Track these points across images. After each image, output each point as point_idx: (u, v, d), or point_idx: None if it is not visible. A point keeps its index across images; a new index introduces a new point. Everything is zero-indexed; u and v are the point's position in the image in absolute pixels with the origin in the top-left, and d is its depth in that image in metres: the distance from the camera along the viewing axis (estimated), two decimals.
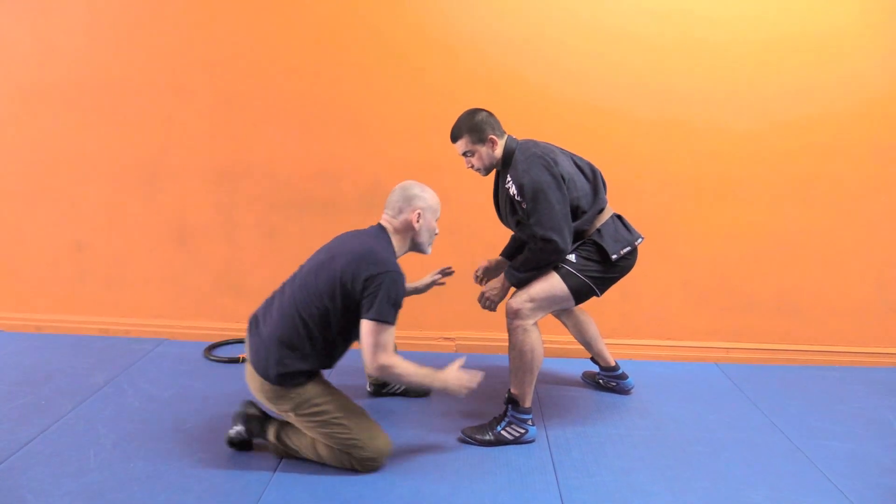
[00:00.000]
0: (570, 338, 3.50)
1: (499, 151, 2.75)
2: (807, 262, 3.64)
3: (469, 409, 3.06)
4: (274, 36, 3.61)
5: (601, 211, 2.80)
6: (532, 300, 2.71)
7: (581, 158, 2.82)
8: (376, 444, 2.52)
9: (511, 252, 3.11)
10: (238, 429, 2.63)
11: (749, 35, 3.45)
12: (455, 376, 2.53)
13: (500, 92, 3.47)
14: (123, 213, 3.84)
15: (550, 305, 2.76)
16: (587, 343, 3.26)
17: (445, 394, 2.56)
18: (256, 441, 2.67)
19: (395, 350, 2.72)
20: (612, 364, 3.29)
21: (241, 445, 2.67)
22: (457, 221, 3.65)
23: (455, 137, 2.76)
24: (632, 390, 3.30)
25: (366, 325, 2.38)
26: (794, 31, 3.44)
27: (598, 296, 2.81)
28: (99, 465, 2.55)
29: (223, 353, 3.66)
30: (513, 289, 2.81)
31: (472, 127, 2.72)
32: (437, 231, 2.67)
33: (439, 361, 3.56)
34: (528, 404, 2.79)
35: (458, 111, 3.52)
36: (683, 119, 3.53)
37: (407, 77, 3.59)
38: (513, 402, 2.79)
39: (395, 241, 2.59)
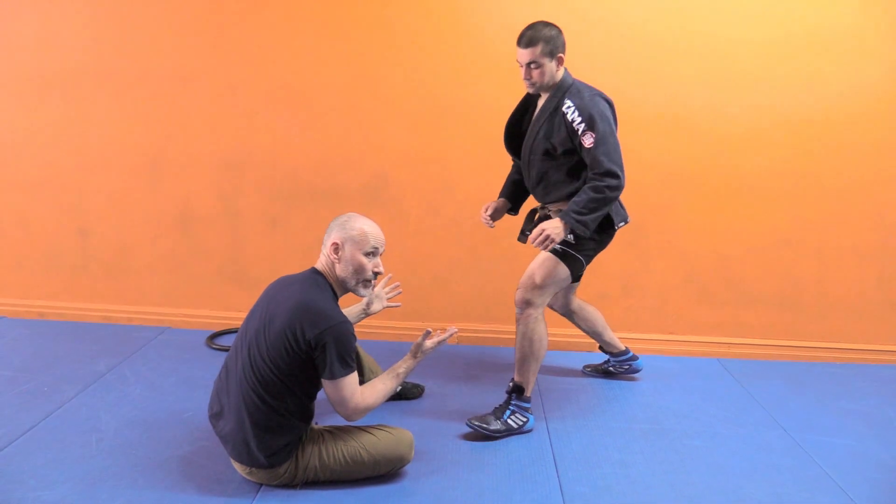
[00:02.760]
0: (572, 330, 3.50)
1: (560, 73, 2.67)
2: (809, 257, 3.63)
3: (467, 402, 3.06)
4: (277, 25, 3.60)
5: None
6: (539, 287, 2.73)
7: None
8: (400, 450, 2.42)
9: (510, 193, 3.03)
10: None
11: (755, 32, 3.43)
12: (415, 351, 2.42)
13: (504, 84, 3.46)
14: (127, 201, 3.85)
15: (556, 288, 2.80)
16: (597, 334, 3.27)
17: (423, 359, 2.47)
18: None
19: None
20: (623, 348, 3.32)
21: None
22: (460, 213, 3.65)
23: (528, 43, 2.57)
24: (642, 369, 3.35)
25: (327, 386, 2.24)
26: (798, 28, 3.42)
27: (583, 267, 2.80)
28: (101, 451, 2.56)
29: (226, 341, 3.67)
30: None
31: (549, 38, 2.57)
32: (376, 269, 2.34)
33: (439, 351, 3.57)
34: (529, 393, 2.82)
35: (462, 102, 3.52)
36: (686, 115, 3.52)
37: (410, 67, 3.58)
38: (517, 390, 2.81)
39: (332, 280, 2.34)
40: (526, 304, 2.74)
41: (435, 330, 3.73)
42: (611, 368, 3.38)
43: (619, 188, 2.58)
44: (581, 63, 3.47)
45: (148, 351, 3.54)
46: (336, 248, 2.30)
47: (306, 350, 2.19)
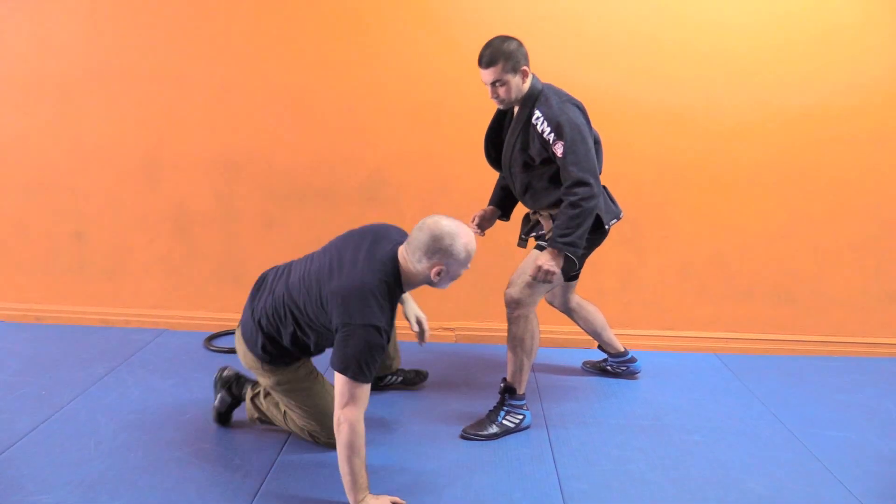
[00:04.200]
0: (569, 328, 3.51)
1: (527, 85, 2.60)
2: (805, 251, 3.64)
3: (465, 400, 3.06)
4: (272, 26, 3.59)
5: None
6: (530, 286, 2.71)
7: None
8: (330, 433, 2.45)
9: (500, 200, 3.01)
10: (220, 396, 2.71)
11: (750, 27, 3.43)
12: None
13: None
14: (123, 203, 3.84)
15: (546, 288, 2.76)
16: (597, 333, 3.26)
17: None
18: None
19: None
20: (622, 350, 3.31)
21: (227, 415, 2.75)
22: (456, 211, 3.57)
23: (488, 63, 2.53)
24: (640, 372, 3.34)
25: (337, 378, 2.18)
26: (794, 23, 3.42)
27: (577, 269, 2.78)
28: (99, 454, 2.55)
29: (223, 343, 3.66)
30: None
31: (509, 55, 2.51)
32: (460, 273, 2.34)
33: (438, 350, 3.60)
34: (522, 391, 2.81)
35: (457, 100, 3.51)
36: (682, 109, 3.52)
37: (406, 67, 3.57)
38: (509, 390, 2.80)
39: (406, 276, 2.29)
40: (516, 303, 2.73)
41: (434, 329, 3.75)
42: (608, 368, 3.38)
43: (592, 196, 2.52)
44: (576, 60, 3.48)
45: (145, 353, 3.53)
46: (439, 273, 2.24)
47: (335, 328, 2.22)
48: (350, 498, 2.21)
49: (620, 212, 2.83)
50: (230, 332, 3.78)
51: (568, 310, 3.23)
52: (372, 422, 2.86)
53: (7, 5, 3.70)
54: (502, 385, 2.83)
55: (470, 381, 3.28)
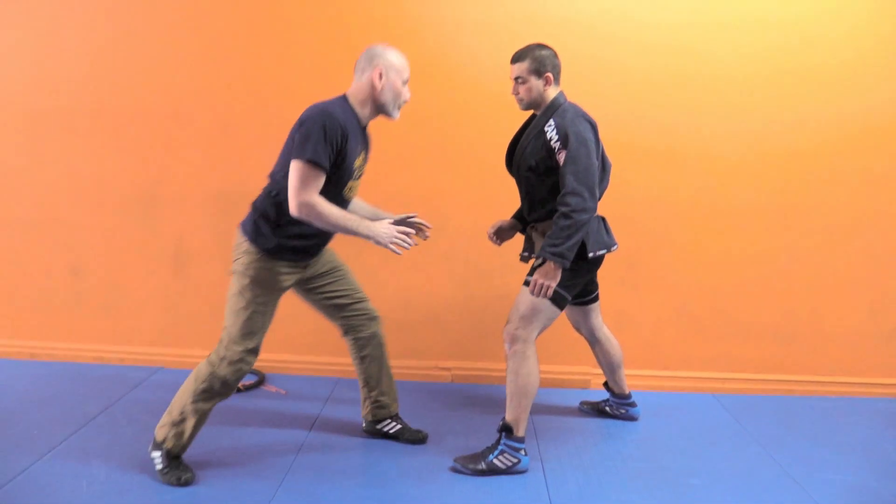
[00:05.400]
0: (567, 367, 3.51)
1: (549, 93, 2.73)
2: (801, 290, 3.65)
3: (461, 441, 3.04)
4: (270, 63, 3.64)
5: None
6: (523, 320, 2.72)
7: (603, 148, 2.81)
8: (236, 365, 2.57)
9: (521, 215, 3.05)
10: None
11: (743, 66, 3.50)
12: (385, 227, 2.48)
13: (497, 122, 3.50)
14: (120, 239, 3.84)
15: (541, 321, 2.75)
16: (612, 369, 3.25)
17: (374, 242, 2.48)
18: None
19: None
20: (627, 392, 3.31)
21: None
22: (452, 249, 3.66)
23: (515, 59, 2.73)
24: (638, 417, 3.32)
25: (292, 165, 2.42)
26: (786, 64, 3.49)
27: (569, 301, 2.78)
28: (91, 497, 2.52)
29: None
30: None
31: (536, 56, 2.69)
32: (406, 96, 2.62)
33: (434, 389, 3.60)
34: (521, 433, 2.78)
35: (453, 139, 3.55)
36: (677, 148, 3.56)
37: (407, 107, 3.61)
38: (507, 429, 2.78)
39: (357, 102, 2.58)
40: (513, 339, 2.74)
41: (429, 369, 3.74)
42: (607, 409, 3.36)
43: (585, 210, 2.55)
44: (575, 98, 3.52)
45: (140, 392, 3.51)
46: (380, 75, 2.53)
47: (294, 134, 2.44)
48: (360, 234, 2.46)
49: (613, 244, 2.84)
50: None
51: (594, 338, 3.22)
52: (365, 458, 2.86)
53: (8, 40, 3.76)
54: (501, 423, 2.82)
55: (464, 422, 3.26)
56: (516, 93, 2.76)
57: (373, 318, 2.96)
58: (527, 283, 2.75)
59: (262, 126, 3.69)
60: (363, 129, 2.65)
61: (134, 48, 3.70)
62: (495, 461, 2.76)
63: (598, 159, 2.67)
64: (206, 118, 3.72)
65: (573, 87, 3.50)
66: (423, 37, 3.56)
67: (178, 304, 3.86)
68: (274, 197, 2.56)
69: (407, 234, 2.49)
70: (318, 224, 2.46)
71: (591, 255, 2.70)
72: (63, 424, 3.10)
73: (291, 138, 2.49)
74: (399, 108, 2.63)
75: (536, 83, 2.71)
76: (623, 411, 3.32)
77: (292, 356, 3.80)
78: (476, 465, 2.76)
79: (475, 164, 3.54)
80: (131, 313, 3.90)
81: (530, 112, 2.87)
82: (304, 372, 3.76)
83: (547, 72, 2.70)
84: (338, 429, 3.15)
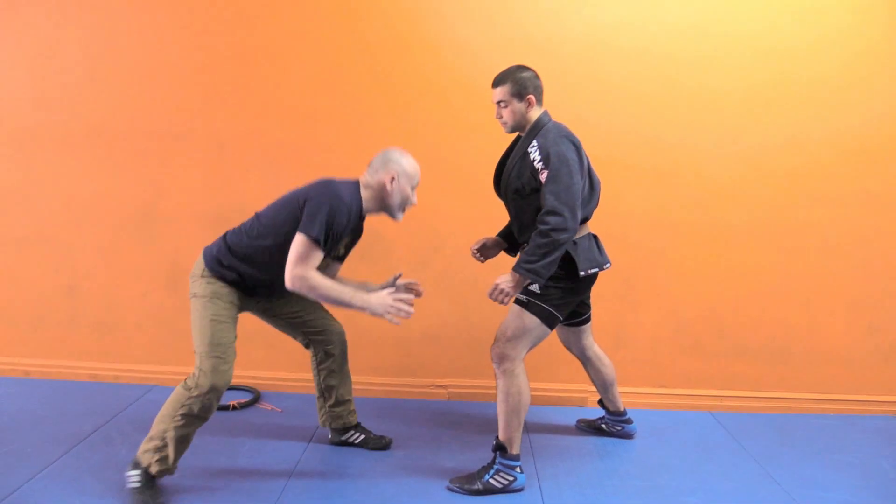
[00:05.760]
0: (563, 385, 3.50)
1: (532, 115, 2.72)
2: (798, 308, 3.65)
3: (457, 459, 3.02)
4: (267, 82, 3.66)
5: (584, 221, 2.78)
6: (511, 339, 2.71)
7: (591, 166, 2.81)
8: (211, 378, 2.57)
9: (507, 234, 3.06)
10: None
11: (740, 84, 3.52)
12: (379, 298, 2.50)
13: (493, 139, 3.51)
14: (116, 257, 3.84)
15: (530, 340, 2.74)
16: (605, 387, 3.23)
17: (370, 314, 2.51)
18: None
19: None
20: (622, 409, 3.29)
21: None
22: (449, 267, 3.66)
23: (496, 83, 2.73)
24: (635, 435, 3.30)
25: (297, 238, 2.49)
26: (781, 82, 3.52)
27: (560, 321, 2.79)
28: None
29: None
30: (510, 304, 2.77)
31: (517, 79, 2.69)
32: (413, 201, 2.72)
33: (429, 408, 3.58)
34: (515, 451, 2.77)
35: (450, 156, 3.57)
36: (674, 166, 3.58)
37: (399, 122, 3.63)
38: (501, 448, 2.77)
39: (366, 195, 2.67)
40: (500, 358, 2.72)
41: (426, 387, 3.73)
42: (603, 426, 3.35)
43: (565, 229, 2.53)
44: (570, 116, 3.54)
45: (135, 410, 3.48)
46: (392, 179, 2.64)
47: (301, 206, 2.52)
48: (354, 307, 2.50)
49: (606, 262, 2.82)
50: None
51: (585, 357, 3.20)
52: (362, 477, 2.84)
53: (4, 57, 3.78)
54: (494, 442, 2.80)
55: (460, 440, 3.25)
56: (499, 116, 2.76)
57: (335, 332, 3.02)
58: (518, 302, 2.75)
59: (258, 145, 3.70)
60: (362, 218, 2.74)
61: (130, 66, 3.72)
62: (491, 481, 2.74)
63: (584, 177, 2.67)
64: (203, 137, 3.73)
65: (568, 104, 3.53)
66: (418, 55, 3.58)
67: (173, 322, 3.84)
68: (252, 238, 2.64)
69: (404, 300, 2.52)
70: (311, 296, 2.53)
71: (582, 273, 2.69)
72: (57, 442, 3.07)
73: (296, 202, 2.57)
74: (403, 211, 2.74)
75: (519, 106, 2.71)
76: (619, 428, 3.31)
77: (287, 374, 3.79)
78: (472, 486, 2.74)
79: (472, 182, 3.54)
80: (126, 331, 3.89)
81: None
82: (299, 390, 3.74)
83: (529, 94, 2.70)
84: (334, 446, 3.14)
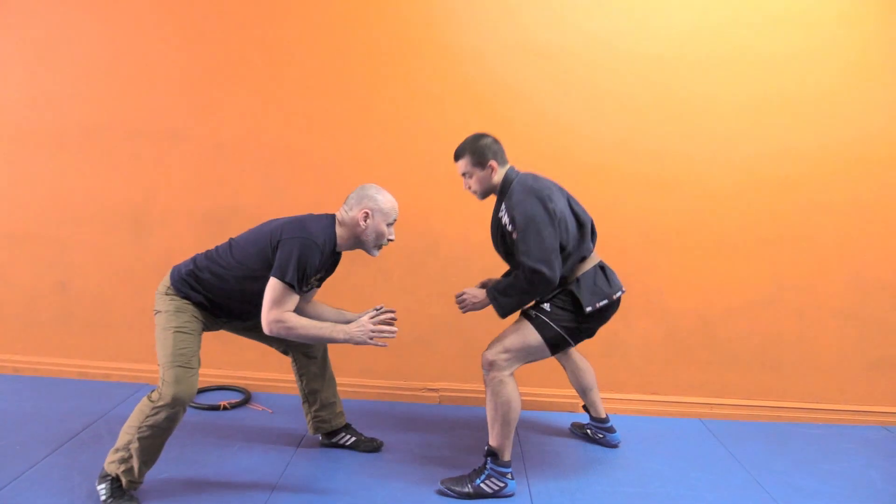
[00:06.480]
0: (555, 390, 3.49)
1: (497, 178, 2.77)
2: (789, 318, 3.66)
3: (450, 461, 3.02)
4: (263, 84, 3.66)
5: (583, 259, 2.80)
6: (507, 351, 2.71)
7: (578, 204, 2.83)
8: (174, 389, 2.49)
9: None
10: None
11: (734, 93, 3.53)
12: (360, 326, 2.51)
13: None
14: (109, 256, 3.83)
15: (526, 356, 2.76)
16: (582, 390, 3.25)
17: (353, 344, 2.51)
18: None
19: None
20: (603, 416, 3.28)
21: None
22: (443, 271, 3.66)
23: (457, 157, 2.80)
24: (618, 444, 3.29)
25: (270, 282, 2.50)
26: (774, 92, 3.53)
27: (571, 345, 2.82)
28: None
29: (204, 399, 3.61)
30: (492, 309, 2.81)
31: (475, 149, 2.75)
32: (390, 237, 2.69)
33: (421, 411, 3.58)
34: (507, 457, 2.77)
35: (446, 160, 3.56)
36: (667, 175, 3.59)
37: (395, 125, 3.63)
38: (492, 454, 2.77)
39: (341, 231, 2.65)
40: (490, 365, 2.73)
41: (417, 390, 3.72)
42: (588, 432, 3.35)
43: (547, 282, 2.60)
44: (565, 125, 3.56)
45: (125, 409, 3.47)
46: (366, 216, 2.61)
47: (273, 246, 2.53)
48: (337, 340, 2.50)
49: (616, 291, 2.82)
50: (212, 389, 3.74)
51: (565, 358, 3.23)
52: (352, 478, 2.84)
53: (1, 59, 3.76)
54: (486, 448, 2.80)
55: (452, 444, 3.24)
56: (468, 187, 2.83)
57: None
58: (525, 315, 2.77)
59: (251, 145, 3.70)
60: (337, 252, 2.74)
61: (124, 66, 3.71)
62: (482, 485, 2.74)
63: (562, 223, 2.67)
64: (196, 136, 3.72)
65: (566, 115, 3.54)
66: (415, 58, 3.59)
67: None
68: (221, 267, 2.65)
69: (385, 320, 2.54)
70: (291, 337, 2.53)
71: (588, 309, 2.72)
72: (46, 441, 3.06)
73: (268, 240, 2.58)
74: (379, 248, 2.71)
75: (483, 174, 2.76)
76: (601, 436, 3.30)
77: (278, 374, 3.78)
78: (462, 489, 2.74)
79: None
80: (117, 329, 3.87)
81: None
82: (289, 391, 3.73)
83: (489, 160, 2.74)
84: (324, 448, 3.13)
